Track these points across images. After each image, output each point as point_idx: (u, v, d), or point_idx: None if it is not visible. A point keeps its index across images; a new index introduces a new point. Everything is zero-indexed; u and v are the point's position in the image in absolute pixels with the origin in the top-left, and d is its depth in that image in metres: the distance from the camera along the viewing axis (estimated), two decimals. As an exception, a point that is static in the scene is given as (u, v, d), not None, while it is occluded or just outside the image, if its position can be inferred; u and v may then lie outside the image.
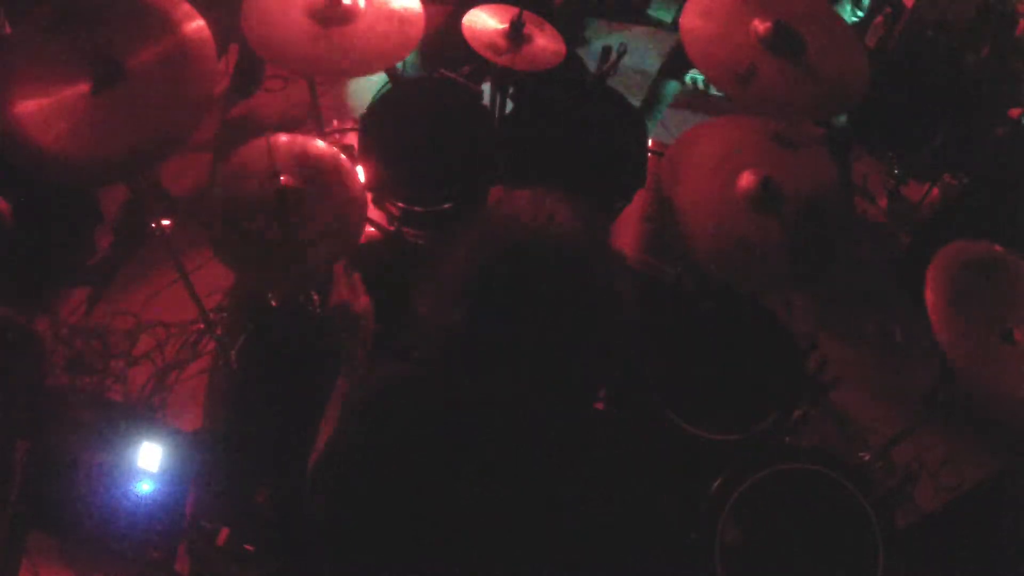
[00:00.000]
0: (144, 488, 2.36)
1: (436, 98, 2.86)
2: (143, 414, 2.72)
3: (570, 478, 1.18)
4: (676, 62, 3.97)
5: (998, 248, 2.28)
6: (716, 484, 2.41)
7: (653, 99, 3.97)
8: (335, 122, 3.06)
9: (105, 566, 2.34)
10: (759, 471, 2.38)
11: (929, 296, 2.11)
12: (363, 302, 1.86)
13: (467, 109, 2.82)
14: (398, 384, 1.25)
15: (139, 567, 2.36)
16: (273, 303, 2.82)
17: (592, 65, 3.13)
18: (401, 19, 2.45)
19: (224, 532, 2.53)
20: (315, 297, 2.73)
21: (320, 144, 2.42)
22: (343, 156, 2.40)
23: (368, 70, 2.48)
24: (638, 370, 2.35)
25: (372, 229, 2.73)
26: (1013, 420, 2.26)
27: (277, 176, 2.25)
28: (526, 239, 1.12)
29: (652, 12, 4.22)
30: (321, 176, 2.37)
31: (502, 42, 2.65)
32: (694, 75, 3.99)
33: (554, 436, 1.16)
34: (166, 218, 2.62)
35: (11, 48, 2.27)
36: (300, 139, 2.40)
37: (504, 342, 1.11)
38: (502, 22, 2.69)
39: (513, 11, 2.63)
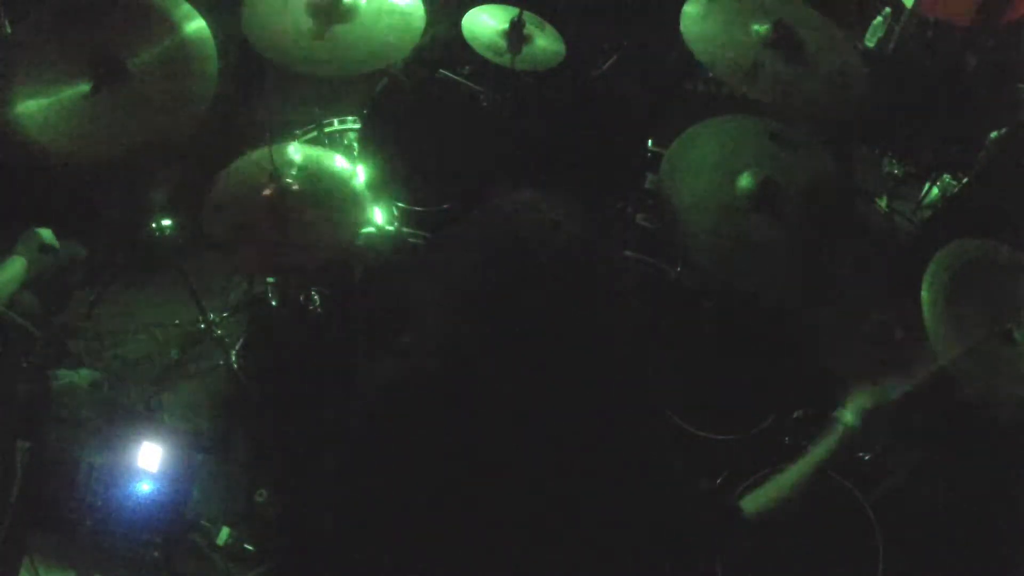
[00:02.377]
0: (144, 488, 2.36)
1: (436, 98, 2.87)
2: (143, 414, 2.72)
3: (570, 478, 1.18)
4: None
5: (998, 247, 2.28)
6: (716, 484, 2.42)
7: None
8: (335, 122, 3.05)
9: (105, 566, 2.34)
10: (759, 471, 2.38)
11: (925, 296, 2.11)
12: None
13: (467, 109, 2.82)
14: (401, 384, 1.26)
15: (139, 567, 2.36)
16: (273, 303, 2.83)
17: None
18: (402, 14, 2.45)
19: (224, 532, 2.54)
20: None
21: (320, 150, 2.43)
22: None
23: (370, 67, 2.48)
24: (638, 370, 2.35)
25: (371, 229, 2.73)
26: (1013, 420, 2.26)
27: (278, 179, 2.25)
28: (529, 243, 1.13)
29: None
30: (321, 178, 2.37)
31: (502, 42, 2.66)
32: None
33: (557, 435, 1.16)
34: (166, 218, 2.62)
35: (11, 48, 2.27)
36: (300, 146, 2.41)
37: (508, 346, 1.11)
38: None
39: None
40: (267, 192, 2.26)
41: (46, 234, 2.44)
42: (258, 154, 2.34)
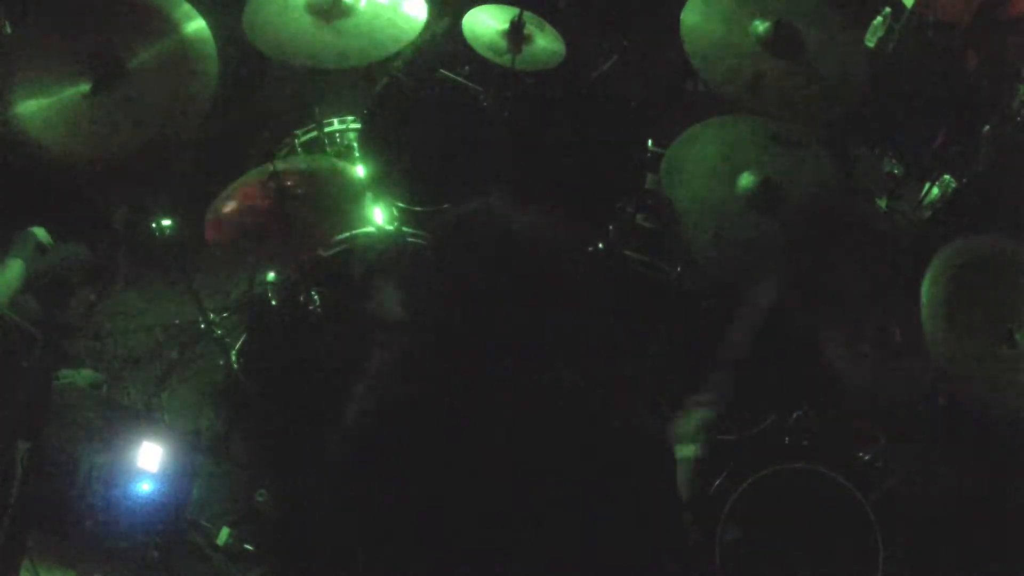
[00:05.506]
0: (144, 488, 2.36)
1: (436, 98, 2.87)
2: (143, 414, 2.72)
3: (568, 476, 1.18)
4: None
5: (998, 247, 2.28)
6: (716, 484, 2.42)
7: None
8: (335, 122, 3.05)
9: (105, 566, 2.34)
10: (759, 471, 2.39)
11: (925, 296, 2.11)
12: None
13: (467, 109, 2.82)
14: (398, 384, 1.26)
15: (139, 567, 2.36)
16: (273, 303, 2.82)
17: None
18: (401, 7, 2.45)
19: (224, 532, 2.54)
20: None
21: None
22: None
23: (373, 57, 2.48)
24: (638, 368, 2.35)
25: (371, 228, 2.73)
26: (1012, 420, 2.26)
27: (280, 186, 2.26)
28: (498, 247, 1.15)
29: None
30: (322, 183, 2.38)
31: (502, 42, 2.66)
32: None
33: (548, 432, 1.16)
34: (166, 218, 2.62)
35: (11, 48, 2.27)
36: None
37: (492, 345, 1.13)
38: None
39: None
40: (267, 197, 2.26)
41: (40, 233, 2.44)
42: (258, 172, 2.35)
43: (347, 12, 2.43)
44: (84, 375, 2.62)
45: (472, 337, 1.14)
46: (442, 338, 1.17)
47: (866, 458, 2.67)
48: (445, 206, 2.66)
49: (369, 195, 2.61)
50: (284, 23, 2.40)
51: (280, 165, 2.31)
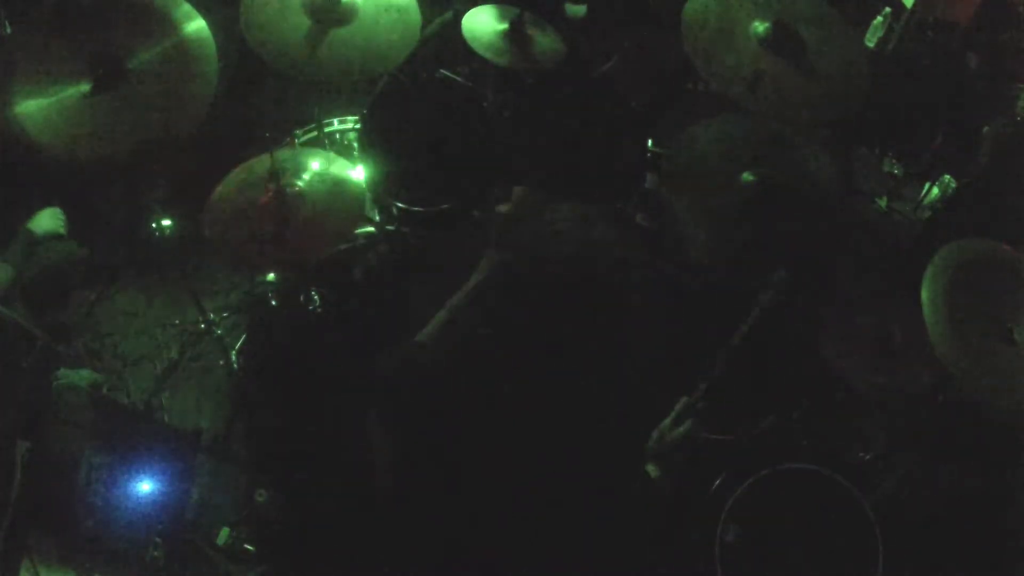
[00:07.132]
0: (144, 488, 2.36)
1: (436, 98, 2.86)
2: (143, 414, 2.72)
3: (568, 478, 1.18)
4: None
5: (998, 247, 2.28)
6: (716, 484, 2.42)
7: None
8: (335, 122, 3.05)
9: (105, 566, 2.34)
10: (759, 471, 2.39)
11: (925, 296, 2.11)
12: None
13: (467, 109, 2.82)
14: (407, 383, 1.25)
15: (139, 567, 2.36)
16: (273, 303, 2.82)
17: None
18: (399, 9, 2.44)
19: (224, 532, 2.54)
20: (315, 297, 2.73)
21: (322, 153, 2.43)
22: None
23: (375, 68, 2.46)
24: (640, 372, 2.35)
25: (371, 228, 2.73)
26: (1012, 420, 2.26)
27: (278, 181, 2.25)
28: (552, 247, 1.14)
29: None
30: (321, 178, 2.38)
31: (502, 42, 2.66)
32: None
33: (549, 434, 1.16)
34: (166, 218, 2.62)
35: (11, 48, 2.27)
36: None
37: (524, 352, 1.12)
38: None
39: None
40: (266, 197, 2.26)
41: (44, 219, 2.41)
42: (260, 160, 2.34)
43: (346, 17, 2.42)
44: (84, 375, 2.62)
45: (503, 342, 1.13)
46: (472, 339, 1.16)
47: (866, 458, 2.67)
48: (445, 206, 2.66)
49: (369, 195, 2.61)
50: (282, 28, 2.39)
51: (279, 157, 2.31)
